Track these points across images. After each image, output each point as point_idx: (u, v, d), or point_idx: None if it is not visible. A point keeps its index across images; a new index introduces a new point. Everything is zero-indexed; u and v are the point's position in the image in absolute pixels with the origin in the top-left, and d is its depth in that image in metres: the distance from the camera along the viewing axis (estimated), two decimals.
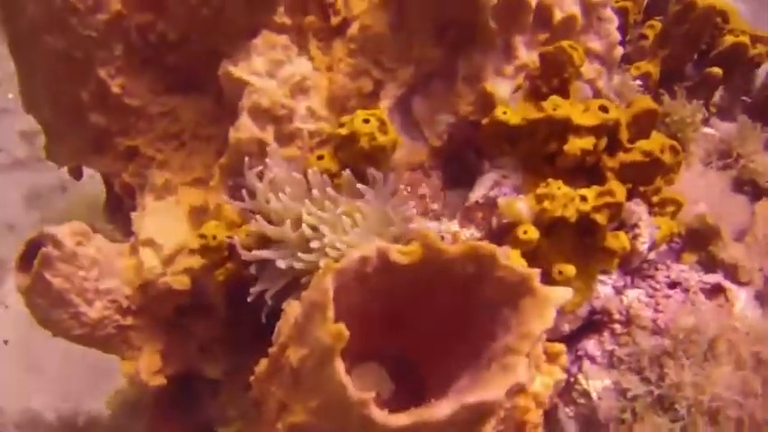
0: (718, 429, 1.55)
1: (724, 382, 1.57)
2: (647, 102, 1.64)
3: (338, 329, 1.16)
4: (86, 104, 1.86)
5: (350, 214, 1.55)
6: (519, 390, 1.31)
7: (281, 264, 1.51)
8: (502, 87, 1.66)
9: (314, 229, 1.53)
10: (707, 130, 2.06)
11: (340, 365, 1.15)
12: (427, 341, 1.44)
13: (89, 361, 2.98)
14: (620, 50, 1.80)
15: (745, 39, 2.16)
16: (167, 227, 1.77)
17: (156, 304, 1.80)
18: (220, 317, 1.81)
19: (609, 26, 1.83)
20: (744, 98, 2.14)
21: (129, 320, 1.81)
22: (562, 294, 1.28)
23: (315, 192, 1.56)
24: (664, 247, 1.78)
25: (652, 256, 1.73)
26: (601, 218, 1.52)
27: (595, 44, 1.77)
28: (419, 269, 1.34)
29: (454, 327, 1.39)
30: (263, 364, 1.51)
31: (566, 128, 1.54)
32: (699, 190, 1.87)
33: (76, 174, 2.23)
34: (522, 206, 1.52)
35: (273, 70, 1.70)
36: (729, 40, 2.10)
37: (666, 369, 1.58)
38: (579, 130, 1.53)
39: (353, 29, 1.73)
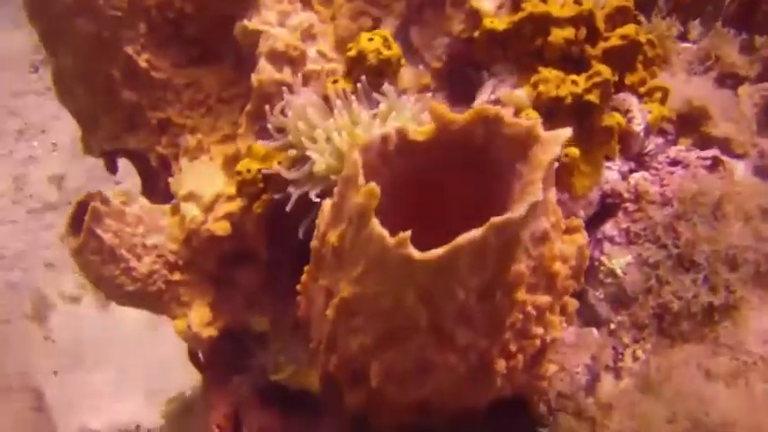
0: (739, 273, 1.70)
1: (736, 232, 1.73)
2: (617, 1, 1.85)
3: (370, 188, 1.31)
4: (118, 82, 2.11)
5: (385, 114, 1.73)
6: (543, 235, 1.46)
7: (320, 162, 1.67)
8: (486, 3, 1.88)
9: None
10: (685, 44, 2.28)
11: (375, 221, 1.30)
12: (453, 223, 1.60)
13: (142, 385, 3.14)
14: None
15: None
16: (204, 180, 1.96)
17: (200, 256, 1.98)
18: (262, 261, 1.97)
19: None
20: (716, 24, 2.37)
21: (176, 276, 1.99)
22: (564, 133, 1.44)
23: (338, 103, 1.73)
24: (659, 139, 1.94)
25: (651, 147, 1.92)
26: (593, 97, 1.68)
27: None
28: (436, 146, 1.52)
29: (476, 201, 1.55)
30: (305, 271, 1.68)
31: (547, 22, 1.73)
32: (685, 94, 2.06)
33: (112, 167, 2.43)
34: (520, 93, 1.71)
35: (283, 20, 1.93)
36: None
37: (680, 230, 1.74)
38: (559, 22, 1.73)
39: None
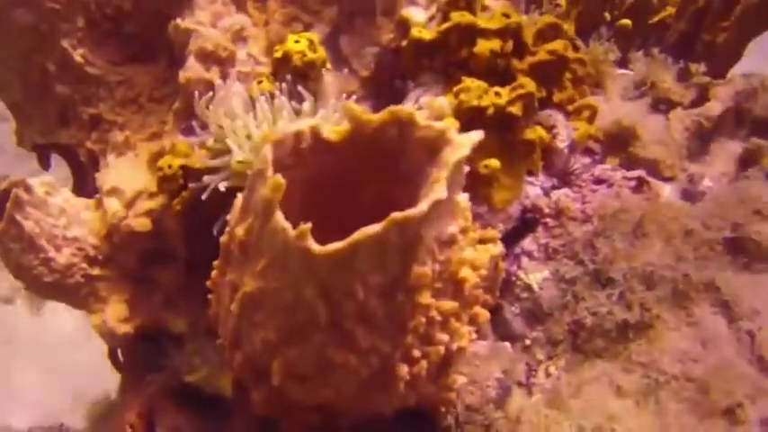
0: (656, 291, 1.69)
1: (656, 251, 1.72)
2: (549, 18, 1.86)
3: (275, 181, 1.29)
4: (52, 75, 2.11)
5: (308, 112, 1.72)
6: (449, 239, 1.45)
7: (238, 155, 1.65)
8: (416, 14, 1.87)
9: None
10: (623, 71, 2.29)
11: (279, 214, 1.29)
12: (368, 218, 1.58)
13: (70, 387, 3.11)
14: None
15: None
16: (129, 176, 1.95)
17: (120, 252, 1.96)
18: (182, 260, 1.94)
19: None
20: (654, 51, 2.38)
21: (96, 271, 1.97)
22: (474, 135, 1.43)
23: (261, 100, 1.70)
24: (586, 159, 1.94)
25: (577, 165, 1.91)
26: (516, 109, 1.68)
27: None
28: (350, 146, 1.51)
29: (388, 204, 1.54)
30: (214, 267, 1.66)
31: (474, 33, 1.74)
32: (616, 115, 2.06)
33: (44, 162, 2.42)
34: (442, 101, 1.71)
35: (215, 21, 1.93)
36: None
37: (598, 246, 1.73)
38: (486, 34, 1.73)
39: None
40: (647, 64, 2.19)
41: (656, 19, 2.42)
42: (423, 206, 1.25)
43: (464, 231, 1.50)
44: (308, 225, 1.24)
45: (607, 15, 2.37)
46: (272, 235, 1.30)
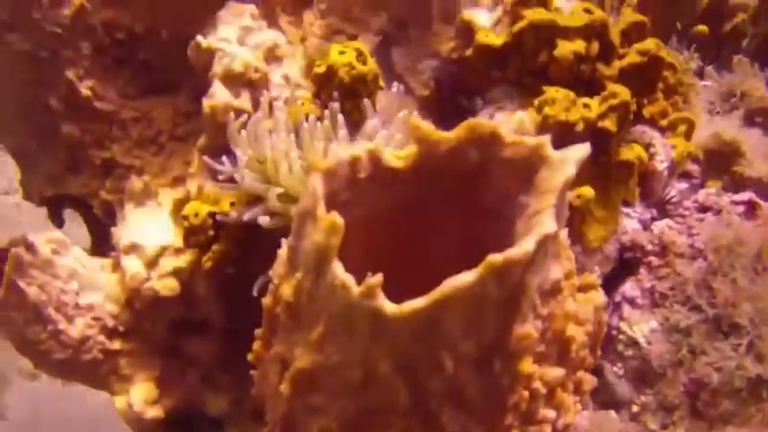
0: None
1: None
2: (632, 15, 1.48)
3: (330, 221, 0.92)
4: (57, 113, 1.71)
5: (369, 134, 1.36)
6: (554, 288, 1.07)
7: (273, 198, 1.28)
8: (480, 16, 1.51)
9: None
10: (706, 82, 1.92)
11: (337, 265, 0.91)
12: (445, 267, 1.22)
13: None
14: None
15: None
16: (150, 229, 1.55)
17: (145, 321, 1.55)
18: (219, 327, 1.56)
19: None
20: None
21: (116, 344, 1.56)
22: (580, 150, 1.06)
23: (305, 127, 1.34)
24: (683, 184, 1.57)
25: (673, 193, 1.53)
26: (609, 124, 1.30)
27: None
28: (419, 174, 1.13)
29: (471, 242, 1.17)
30: (257, 336, 1.27)
31: (552, 33, 1.37)
32: (711, 131, 1.69)
33: (57, 219, 2.03)
34: (523, 116, 1.32)
35: (244, 37, 1.57)
36: (705, 1, 2.01)
37: (716, 286, 1.34)
38: (567, 33, 1.36)
39: None
40: (734, 72, 1.83)
41: (730, 26, 2.05)
42: (528, 245, 0.86)
43: (568, 276, 1.12)
44: (378, 278, 0.85)
45: (678, 25, 2.01)
46: (330, 294, 0.91)
